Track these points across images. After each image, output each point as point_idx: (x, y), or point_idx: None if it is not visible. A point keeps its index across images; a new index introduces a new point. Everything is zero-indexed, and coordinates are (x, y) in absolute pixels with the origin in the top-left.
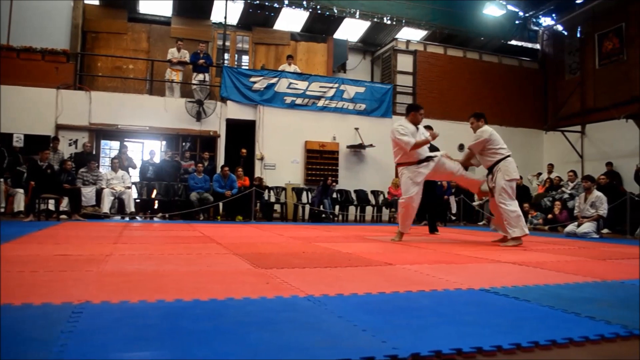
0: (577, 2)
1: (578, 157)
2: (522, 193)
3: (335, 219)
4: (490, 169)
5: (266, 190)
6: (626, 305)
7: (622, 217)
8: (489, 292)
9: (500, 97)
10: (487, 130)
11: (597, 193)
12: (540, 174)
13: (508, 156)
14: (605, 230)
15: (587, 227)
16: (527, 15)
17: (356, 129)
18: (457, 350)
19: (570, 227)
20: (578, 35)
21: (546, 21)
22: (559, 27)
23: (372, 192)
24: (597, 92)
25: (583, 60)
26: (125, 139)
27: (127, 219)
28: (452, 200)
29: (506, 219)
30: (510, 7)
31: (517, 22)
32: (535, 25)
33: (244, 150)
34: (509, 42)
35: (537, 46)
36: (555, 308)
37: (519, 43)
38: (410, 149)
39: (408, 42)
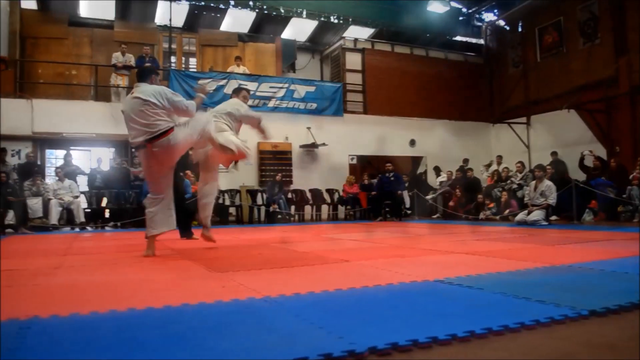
0: None
1: (525, 148)
2: (473, 185)
3: (292, 219)
4: None
5: (221, 194)
6: (574, 288)
7: (569, 203)
8: (443, 283)
9: (447, 92)
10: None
11: (547, 182)
12: (490, 165)
13: None
14: (553, 217)
15: (537, 215)
16: (470, 11)
17: (308, 128)
18: (413, 341)
19: (521, 216)
20: (519, 29)
21: (489, 17)
22: (501, 23)
23: (327, 190)
24: (539, 84)
25: (525, 54)
26: (72, 147)
27: (77, 229)
28: (406, 194)
29: None
30: (453, 4)
31: (460, 18)
32: (479, 21)
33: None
34: (454, 38)
35: (481, 41)
36: (507, 294)
37: (464, 39)
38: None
39: (356, 40)
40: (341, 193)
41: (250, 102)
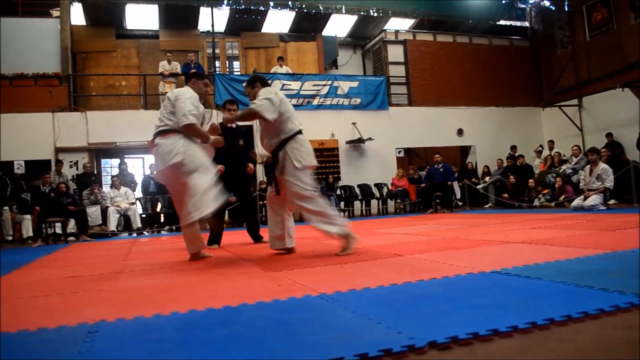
0: None
1: (578, 131)
2: (525, 171)
3: (342, 215)
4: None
5: None
6: (638, 274)
7: (627, 186)
8: (501, 274)
9: (493, 78)
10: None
11: (602, 165)
12: (540, 150)
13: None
14: (612, 201)
15: (594, 199)
16: None
17: (353, 123)
18: (473, 334)
19: (577, 201)
20: (566, 8)
21: None
22: (546, 3)
23: (376, 185)
24: (590, 63)
25: (573, 34)
26: (125, 156)
27: (134, 234)
28: (456, 185)
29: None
30: None
31: (503, 1)
32: (523, 3)
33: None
34: (498, 23)
35: (526, 24)
36: (568, 283)
37: (508, 22)
38: (186, 126)
39: (397, 32)
40: (390, 187)
41: (294, 101)
